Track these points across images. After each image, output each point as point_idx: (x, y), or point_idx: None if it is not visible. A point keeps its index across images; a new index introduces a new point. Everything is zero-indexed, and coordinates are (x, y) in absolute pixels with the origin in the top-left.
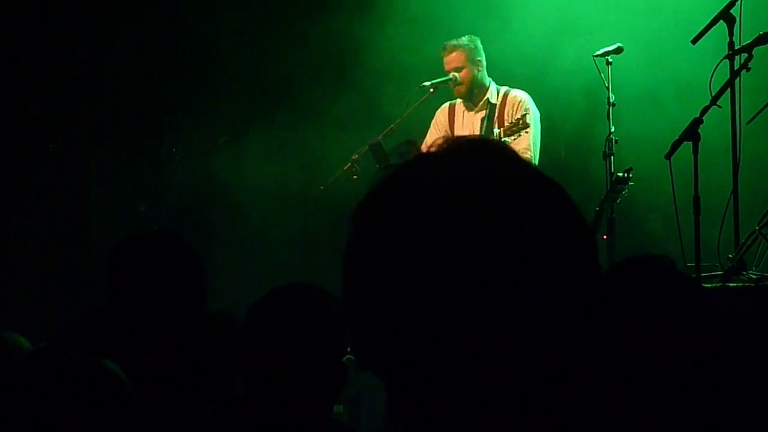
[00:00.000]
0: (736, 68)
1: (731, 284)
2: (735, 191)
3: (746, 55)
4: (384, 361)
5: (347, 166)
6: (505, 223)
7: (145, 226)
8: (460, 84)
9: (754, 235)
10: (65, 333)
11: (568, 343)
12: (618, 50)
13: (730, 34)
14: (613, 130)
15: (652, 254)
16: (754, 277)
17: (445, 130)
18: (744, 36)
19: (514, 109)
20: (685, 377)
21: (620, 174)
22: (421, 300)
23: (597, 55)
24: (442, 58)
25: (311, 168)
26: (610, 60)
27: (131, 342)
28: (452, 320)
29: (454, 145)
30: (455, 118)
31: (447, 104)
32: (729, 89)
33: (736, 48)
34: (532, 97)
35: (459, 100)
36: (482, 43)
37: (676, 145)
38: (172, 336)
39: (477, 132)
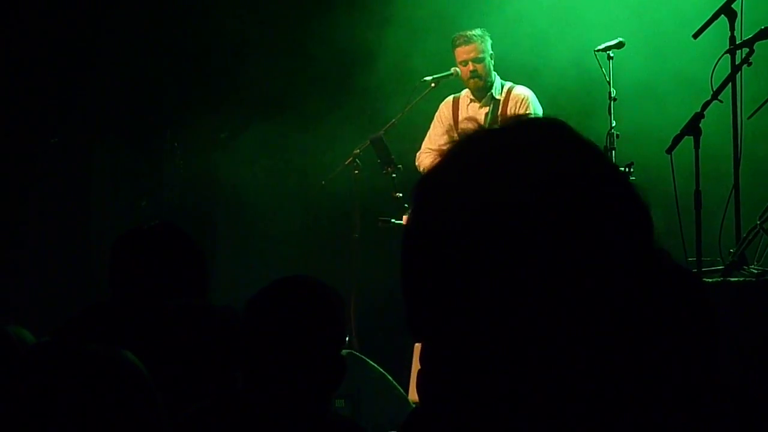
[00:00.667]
0: (737, 63)
1: (732, 279)
2: (736, 186)
3: (747, 49)
4: (434, 329)
5: (349, 160)
6: (572, 201)
7: (147, 221)
8: (479, 76)
9: (756, 230)
10: (67, 327)
11: (624, 327)
12: (619, 45)
13: (732, 28)
14: (614, 124)
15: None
16: (755, 271)
17: (449, 124)
18: (745, 31)
19: (517, 107)
20: (681, 369)
21: (621, 169)
22: (483, 275)
23: (598, 50)
24: (454, 50)
25: (313, 162)
26: (612, 55)
27: (133, 335)
28: (513, 298)
29: (517, 122)
30: (459, 111)
31: (451, 97)
32: (730, 84)
33: (737, 42)
34: (534, 93)
35: (464, 94)
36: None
37: (677, 139)
38: (173, 329)
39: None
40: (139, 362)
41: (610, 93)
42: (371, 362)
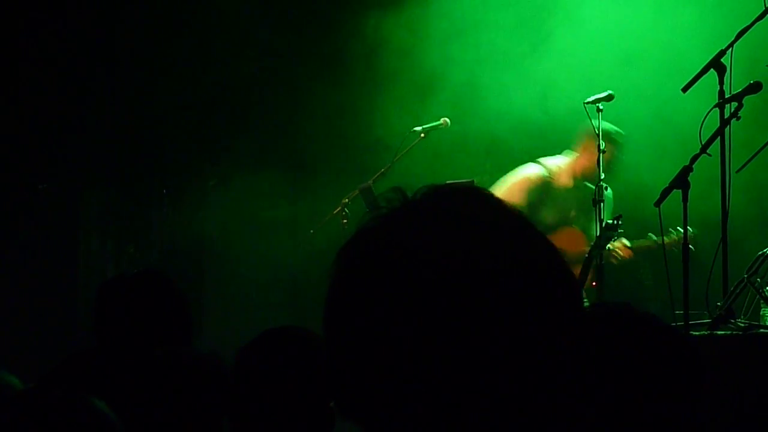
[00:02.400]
0: (726, 117)
1: (719, 332)
2: (724, 239)
3: (736, 103)
4: (365, 409)
5: (337, 209)
6: (491, 272)
7: (135, 268)
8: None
9: (743, 284)
10: (54, 373)
11: (550, 397)
12: (609, 97)
13: (721, 82)
14: (603, 176)
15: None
16: (742, 325)
17: (538, 198)
18: (734, 85)
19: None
20: (667, 426)
21: (610, 221)
22: (402, 348)
23: (588, 102)
24: (614, 144)
25: (302, 211)
26: (601, 107)
27: (118, 383)
28: (433, 370)
29: (439, 191)
30: (553, 188)
31: (544, 171)
32: (719, 137)
33: (726, 96)
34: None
35: (556, 172)
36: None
37: (665, 192)
38: (158, 377)
39: (569, 210)
40: (109, 410)
41: (599, 145)
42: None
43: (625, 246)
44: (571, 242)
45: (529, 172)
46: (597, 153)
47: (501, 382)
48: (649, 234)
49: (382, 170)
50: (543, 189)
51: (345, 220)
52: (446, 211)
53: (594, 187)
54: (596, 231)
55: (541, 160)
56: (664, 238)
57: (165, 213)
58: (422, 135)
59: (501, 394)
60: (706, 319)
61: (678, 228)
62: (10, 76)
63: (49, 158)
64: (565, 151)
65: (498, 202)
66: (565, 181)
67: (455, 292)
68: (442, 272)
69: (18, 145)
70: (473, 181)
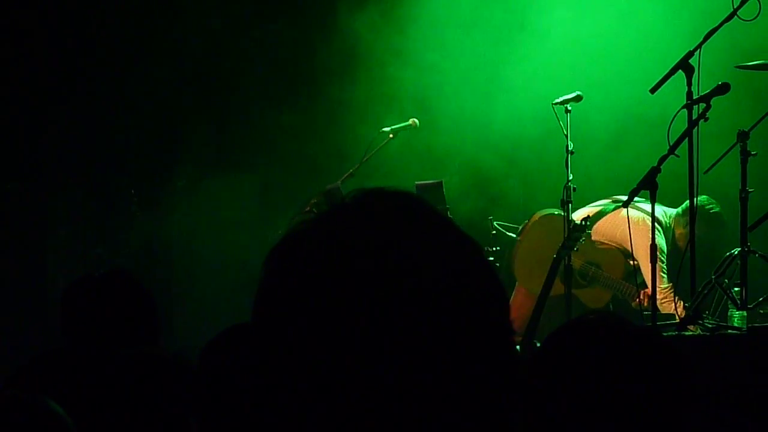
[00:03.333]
0: (694, 118)
1: (687, 333)
2: (692, 240)
3: (704, 104)
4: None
5: (306, 209)
6: (415, 277)
7: (104, 268)
8: None
9: (711, 285)
10: (18, 375)
11: (473, 402)
12: (577, 98)
13: (689, 84)
14: (571, 177)
15: (600, 312)
16: (710, 326)
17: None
18: (702, 86)
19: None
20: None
21: (577, 222)
22: (321, 353)
23: (556, 103)
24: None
25: (271, 212)
26: (569, 108)
27: (84, 384)
28: (351, 370)
29: (370, 193)
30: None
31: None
32: (687, 138)
33: (694, 98)
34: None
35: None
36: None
37: (633, 193)
38: (124, 378)
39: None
40: (63, 412)
41: (567, 146)
42: None
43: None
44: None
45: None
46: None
47: (419, 381)
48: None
49: (351, 171)
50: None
51: None
52: (374, 212)
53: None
54: (564, 232)
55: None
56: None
57: (134, 214)
58: (391, 135)
59: (419, 396)
60: (675, 320)
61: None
62: None
63: (17, 157)
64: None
65: (426, 204)
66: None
67: (377, 288)
68: (367, 269)
69: None
70: (441, 181)
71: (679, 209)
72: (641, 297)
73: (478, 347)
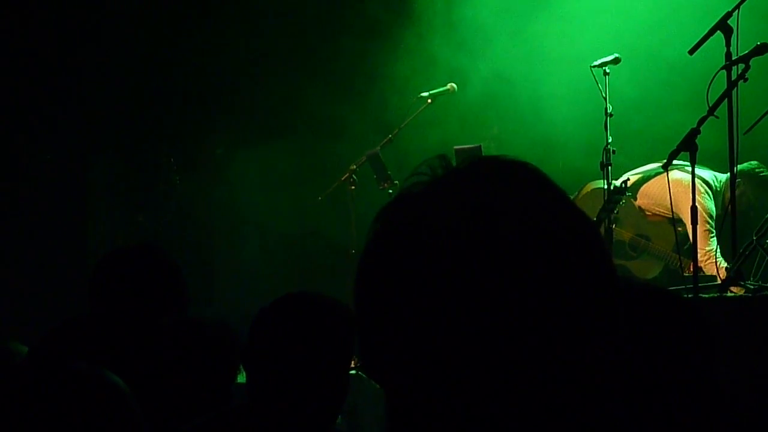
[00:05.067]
0: (733, 79)
1: (729, 294)
2: (732, 201)
3: (743, 65)
4: (391, 371)
5: (345, 176)
6: (524, 248)
7: (144, 236)
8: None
9: (752, 246)
10: (47, 339)
11: (582, 376)
12: (615, 61)
13: (727, 44)
14: (610, 140)
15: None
16: (752, 287)
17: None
18: (741, 46)
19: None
20: (680, 392)
21: (617, 184)
22: (436, 317)
23: (594, 66)
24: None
25: (309, 178)
26: (608, 70)
27: (118, 350)
28: (466, 340)
29: (485, 162)
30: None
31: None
32: (726, 99)
33: (733, 59)
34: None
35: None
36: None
37: (673, 155)
38: (165, 344)
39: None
40: (121, 381)
41: (606, 109)
42: (368, 378)
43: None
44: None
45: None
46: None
47: (536, 354)
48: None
49: (390, 136)
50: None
51: (353, 187)
52: (491, 181)
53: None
54: (604, 194)
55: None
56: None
57: (173, 181)
58: (429, 101)
59: (534, 366)
60: (716, 282)
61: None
62: (13, 49)
63: (54, 129)
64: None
65: (543, 176)
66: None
67: (496, 262)
68: (484, 240)
69: (23, 116)
70: (480, 146)
71: (729, 174)
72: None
73: (595, 319)
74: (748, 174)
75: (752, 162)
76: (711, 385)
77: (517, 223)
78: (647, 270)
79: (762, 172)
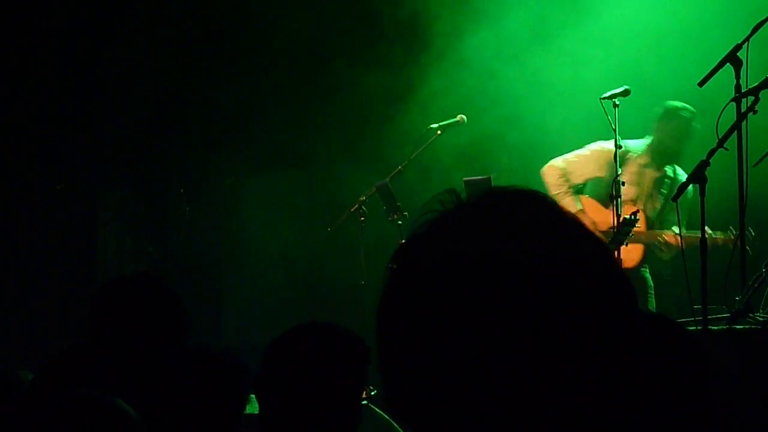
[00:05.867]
0: (743, 111)
1: (738, 326)
2: (741, 233)
3: (753, 97)
4: (419, 415)
5: (354, 207)
6: (553, 276)
7: (153, 267)
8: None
9: (761, 278)
10: (50, 368)
11: (609, 404)
12: (625, 93)
13: (737, 77)
14: (620, 172)
15: None
16: (761, 319)
17: (607, 166)
18: (751, 79)
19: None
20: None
21: (627, 216)
22: (462, 356)
23: (604, 98)
24: (670, 120)
25: (318, 209)
26: (617, 102)
27: (121, 378)
28: (491, 378)
29: (496, 194)
30: (627, 165)
31: (618, 150)
32: (736, 132)
33: (742, 91)
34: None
35: (637, 154)
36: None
37: (682, 187)
38: (167, 373)
39: (648, 191)
40: (131, 410)
41: (615, 141)
42: (377, 409)
43: (675, 234)
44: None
45: (608, 145)
46: (665, 134)
47: (562, 391)
48: (730, 228)
49: (399, 167)
50: (621, 162)
51: (362, 218)
52: (504, 214)
53: (672, 173)
54: (613, 226)
55: (623, 140)
56: (720, 234)
57: (183, 212)
58: (439, 132)
59: (562, 402)
60: (725, 314)
61: (732, 228)
62: (25, 78)
63: (65, 158)
64: (646, 136)
65: (557, 207)
66: (643, 160)
67: (516, 297)
68: (503, 276)
69: (34, 145)
70: (490, 177)
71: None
72: (662, 243)
73: (616, 349)
74: (671, 112)
75: (677, 102)
76: (708, 412)
77: (529, 259)
78: (630, 258)
79: (684, 111)
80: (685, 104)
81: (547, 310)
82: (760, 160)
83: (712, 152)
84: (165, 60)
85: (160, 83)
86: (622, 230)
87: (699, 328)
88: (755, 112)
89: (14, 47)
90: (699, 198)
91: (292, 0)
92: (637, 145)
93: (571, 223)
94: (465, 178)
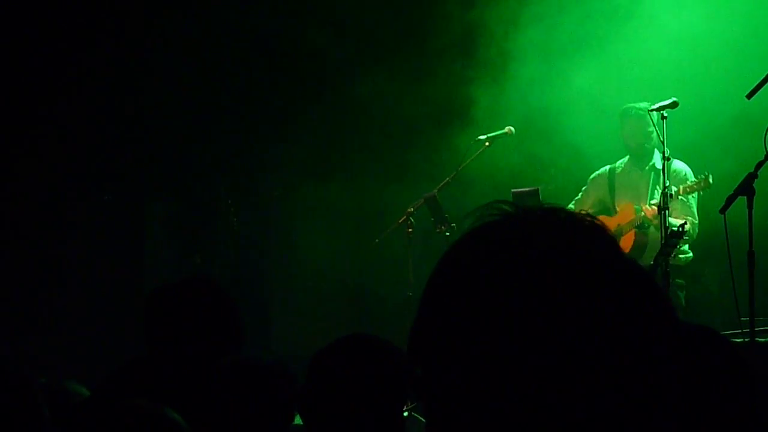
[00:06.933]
0: None
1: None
2: (750, 251)
3: None
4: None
5: (402, 219)
6: (588, 303)
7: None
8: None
9: None
10: (109, 380)
11: (649, 415)
12: (673, 105)
13: None
14: (668, 183)
15: None
16: None
17: (604, 193)
18: None
19: (677, 180)
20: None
21: (675, 228)
22: (500, 362)
23: (653, 110)
24: (625, 119)
25: (367, 220)
26: (665, 114)
27: (177, 391)
28: (529, 385)
29: (554, 211)
30: (616, 177)
31: (607, 167)
32: None
33: None
34: (589, 153)
35: (622, 162)
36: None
37: (731, 199)
38: (221, 386)
39: (641, 191)
40: (181, 419)
41: (664, 153)
42: (421, 417)
43: (652, 206)
44: (624, 215)
45: (599, 170)
46: (626, 137)
47: (598, 401)
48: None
49: (447, 179)
50: (612, 178)
51: (410, 230)
52: (558, 230)
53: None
54: (662, 238)
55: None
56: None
57: (231, 223)
58: (487, 143)
59: (596, 411)
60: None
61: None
62: (74, 88)
63: (113, 169)
64: None
65: (606, 235)
66: (627, 168)
67: (560, 308)
68: (551, 286)
69: (82, 156)
70: (538, 189)
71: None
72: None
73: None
74: (621, 114)
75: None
76: (753, 426)
77: (585, 272)
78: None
79: (631, 109)
80: (633, 103)
81: (592, 324)
82: None
83: (760, 164)
84: (215, 70)
85: (210, 93)
86: (670, 242)
87: (746, 340)
88: None
89: (66, 56)
90: (747, 210)
91: (345, 12)
92: (623, 159)
93: (613, 242)
94: (513, 190)
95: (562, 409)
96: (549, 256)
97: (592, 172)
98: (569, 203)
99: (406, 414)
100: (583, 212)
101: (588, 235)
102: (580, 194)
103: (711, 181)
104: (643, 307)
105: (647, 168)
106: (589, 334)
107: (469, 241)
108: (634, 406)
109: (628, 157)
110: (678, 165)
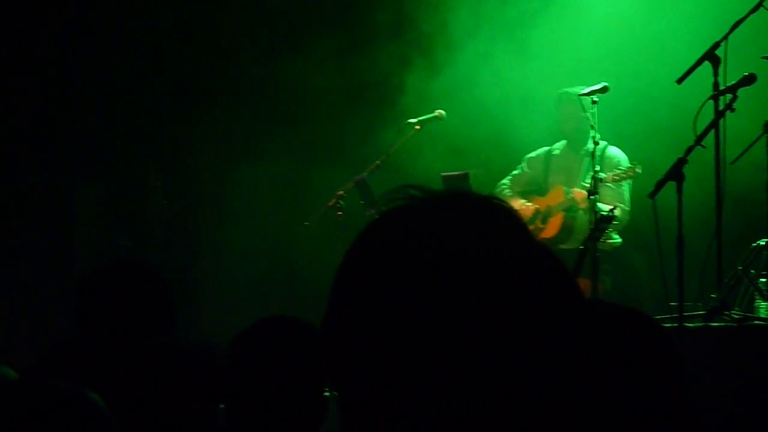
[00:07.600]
0: (720, 108)
1: (714, 324)
2: (718, 231)
3: (731, 95)
4: (349, 382)
5: (332, 201)
6: (500, 273)
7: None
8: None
9: (737, 276)
10: (38, 363)
11: (558, 394)
12: (603, 89)
13: (715, 74)
14: (597, 168)
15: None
16: (737, 317)
17: (540, 174)
18: (729, 77)
19: (611, 166)
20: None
21: (604, 213)
22: (405, 342)
23: (583, 94)
24: (560, 104)
25: (296, 203)
26: (596, 99)
27: (108, 373)
28: (433, 364)
29: (452, 198)
30: (551, 163)
31: (543, 149)
32: (714, 129)
33: (720, 89)
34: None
35: (557, 146)
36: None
37: (660, 184)
38: (148, 367)
39: (574, 174)
40: (101, 400)
41: (594, 137)
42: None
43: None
44: (554, 197)
45: (534, 153)
46: (561, 121)
47: (503, 380)
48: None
49: (377, 162)
50: (548, 160)
51: (340, 213)
52: (464, 212)
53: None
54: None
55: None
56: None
57: (160, 205)
58: (417, 127)
59: (502, 390)
60: (701, 311)
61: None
62: (1, 70)
63: (41, 151)
64: None
65: (513, 212)
66: (564, 151)
67: (466, 288)
68: (454, 268)
69: (9, 137)
70: (467, 173)
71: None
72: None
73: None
74: (555, 99)
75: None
76: (684, 406)
77: (487, 255)
78: (553, 226)
79: (563, 94)
80: (567, 87)
81: (496, 302)
82: (738, 157)
83: (689, 149)
84: (142, 53)
85: (138, 76)
86: (599, 227)
87: (675, 324)
88: (733, 110)
89: None
90: (677, 195)
91: None
92: (562, 142)
93: (522, 226)
94: (443, 173)
95: (471, 396)
96: (444, 244)
97: (524, 155)
98: (505, 178)
99: (327, 394)
100: (496, 195)
101: (491, 219)
102: (517, 170)
103: (639, 171)
104: (547, 291)
105: (582, 152)
106: (484, 317)
107: (368, 230)
108: (541, 390)
109: (565, 140)
110: (613, 151)
